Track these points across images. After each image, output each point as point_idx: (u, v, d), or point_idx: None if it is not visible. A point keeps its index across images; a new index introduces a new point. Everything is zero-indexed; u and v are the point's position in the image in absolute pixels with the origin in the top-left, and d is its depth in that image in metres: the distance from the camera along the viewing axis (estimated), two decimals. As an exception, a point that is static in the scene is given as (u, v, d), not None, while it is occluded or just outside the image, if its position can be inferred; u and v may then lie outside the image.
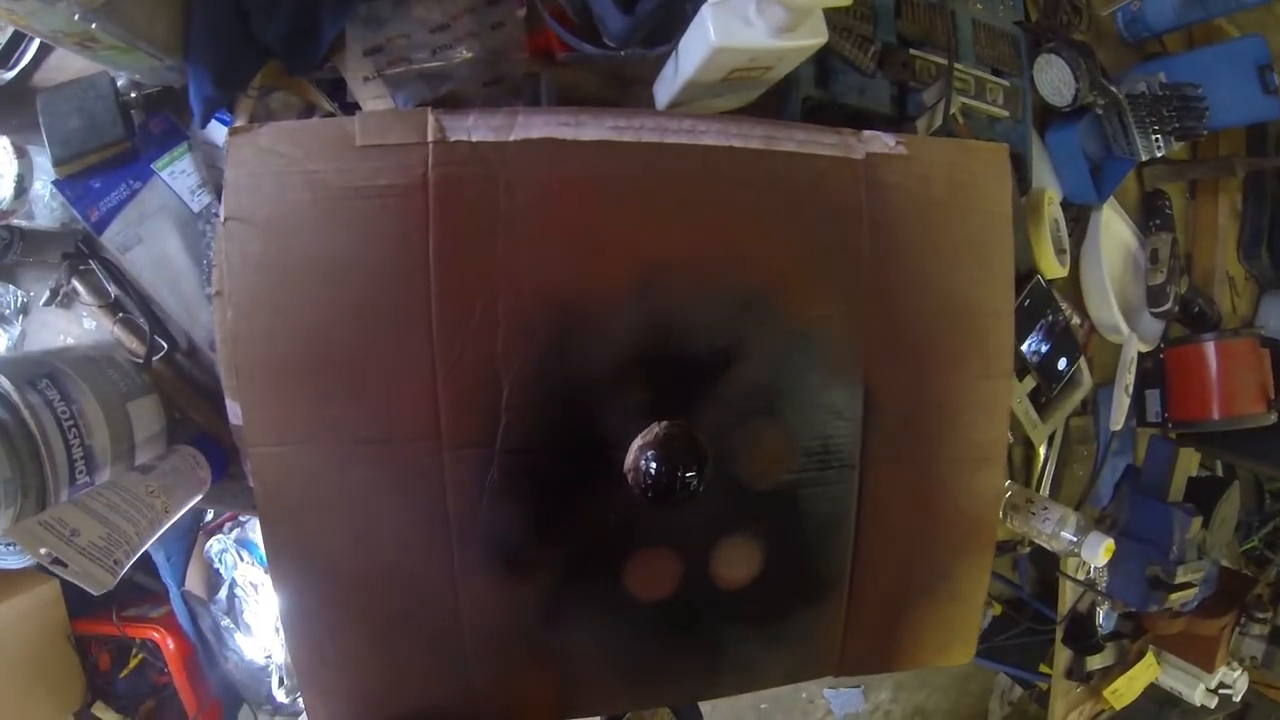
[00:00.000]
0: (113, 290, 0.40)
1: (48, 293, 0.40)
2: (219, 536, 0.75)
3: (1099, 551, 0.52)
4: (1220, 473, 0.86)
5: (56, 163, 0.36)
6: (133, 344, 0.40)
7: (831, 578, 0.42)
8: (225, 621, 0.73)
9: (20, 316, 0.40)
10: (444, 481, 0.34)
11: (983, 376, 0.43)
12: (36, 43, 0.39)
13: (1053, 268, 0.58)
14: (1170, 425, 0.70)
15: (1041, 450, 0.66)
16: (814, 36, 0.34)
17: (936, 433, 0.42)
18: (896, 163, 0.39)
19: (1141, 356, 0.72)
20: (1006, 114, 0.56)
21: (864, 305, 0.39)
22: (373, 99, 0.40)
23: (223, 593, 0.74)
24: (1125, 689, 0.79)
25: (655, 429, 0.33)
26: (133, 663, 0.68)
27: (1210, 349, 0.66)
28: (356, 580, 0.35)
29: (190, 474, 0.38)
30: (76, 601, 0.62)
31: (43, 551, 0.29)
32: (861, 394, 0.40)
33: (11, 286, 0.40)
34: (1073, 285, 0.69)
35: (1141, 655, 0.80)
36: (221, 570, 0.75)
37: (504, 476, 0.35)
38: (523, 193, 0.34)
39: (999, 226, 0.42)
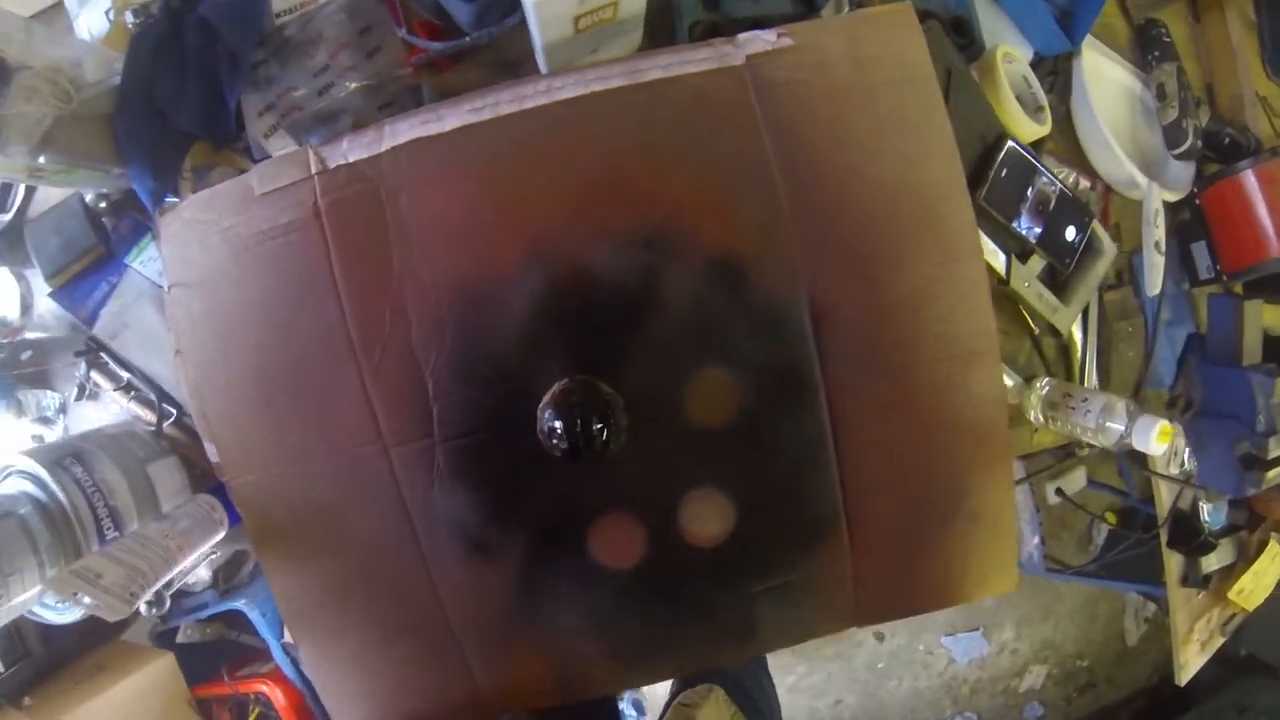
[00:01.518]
0: (123, 375, 0.44)
1: (75, 389, 0.45)
2: (308, 586, 0.81)
3: (1152, 436, 0.43)
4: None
5: (47, 279, 0.41)
6: (146, 415, 0.44)
7: (822, 518, 0.37)
8: None
9: (61, 415, 0.46)
10: (396, 478, 0.35)
11: (946, 262, 0.37)
12: (23, 187, 0.44)
13: (1027, 129, 0.50)
14: (1225, 278, 0.58)
15: (1076, 335, 0.57)
16: None
17: (907, 334, 0.37)
18: (784, 57, 0.35)
19: (1177, 208, 0.60)
20: (933, -18, 0.49)
21: (786, 215, 0.35)
22: (281, 151, 0.41)
23: None
24: (1252, 586, 0.66)
25: (554, 388, 0.31)
26: (251, 717, 0.73)
27: (1249, 178, 0.54)
28: (346, 585, 0.36)
29: (205, 518, 0.41)
30: (191, 670, 0.68)
31: (75, 595, 0.32)
32: (807, 309, 0.36)
33: (49, 391, 0.46)
34: (1074, 148, 0.59)
35: (1264, 546, 0.66)
36: (315, 618, 0.80)
37: (449, 463, 0.35)
38: (405, 197, 0.34)
39: (923, 92, 0.36)
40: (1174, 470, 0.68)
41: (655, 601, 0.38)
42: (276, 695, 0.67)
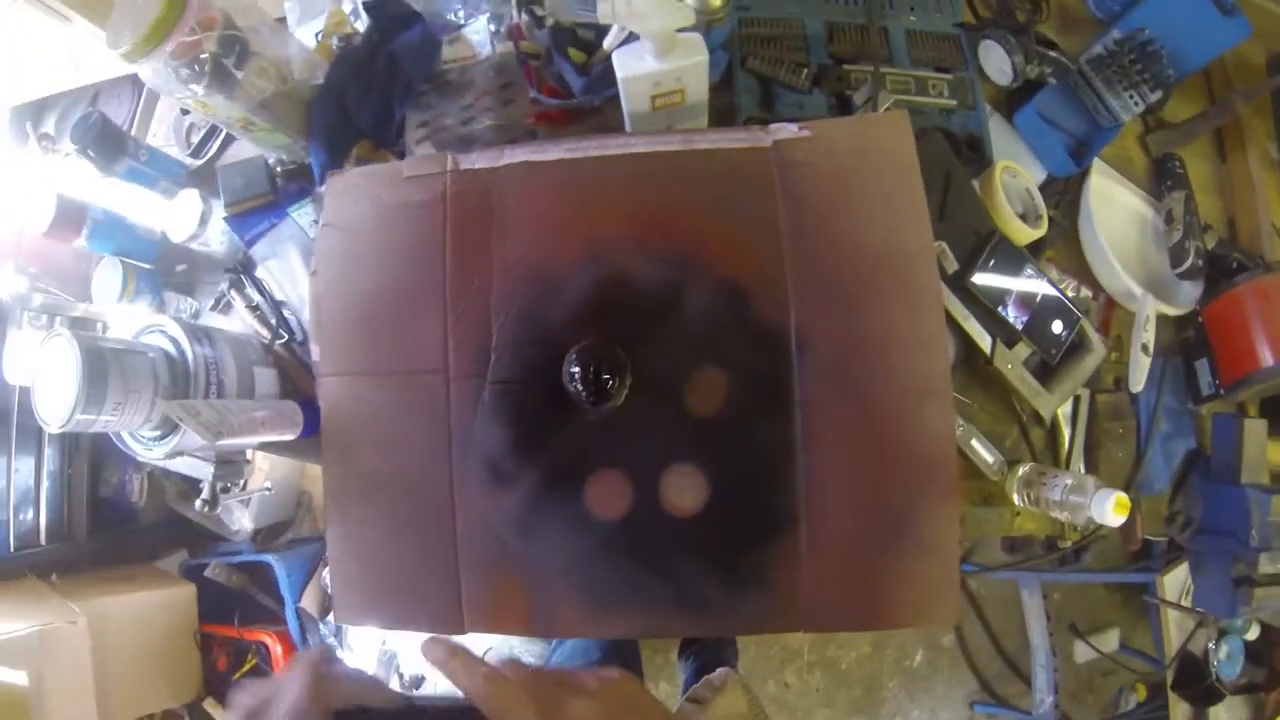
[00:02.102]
0: (255, 297, 0.61)
1: (213, 300, 0.63)
2: (337, 567, 0.91)
3: (1109, 507, 0.51)
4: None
5: (226, 205, 0.59)
6: (263, 332, 0.61)
7: (783, 515, 0.45)
8: (331, 640, 0.87)
9: (194, 319, 0.63)
10: (449, 404, 0.48)
11: (912, 311, 0.46)
12: (219, 141, 0.65)
13: (1019, 231, 0.62)
14: (1224, 392, 0.65)
15: (1064, 428, 0.65)
16: (695, 55, 0.48)
17: (874, 366, 0.46)
18: (802, 143, 0.49)
19: (1183, 326, 0.69)
20: (954, 103, 0.64)
21: (787, 260, 0.47)
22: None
23: (333, 615, 0.88)
24: (1264, 745, 0.66)
25: (580, 344, 0.44)
26: (247, 666, 0.83)
27: (1245, 292, 0.62)
28: (382, 481, 0.48)
29: (289, 415, 0.55)
30: (207, 608, 0.79)
31: (178, 418, 0.44)
32: (793, 334, 0.46)
33: (188, 298, 0.64)
34: (1079, 261, 0.70)
35: None
36: (335, 596, 0.90)
37: (493, 401, 0.47)
38: (509, 199, 0.49)
39: (907, 177, 0.47)
40: (1185, 601, 0.72)
41: (629, 557, 0.47)
42: (277, 651, 0.77)
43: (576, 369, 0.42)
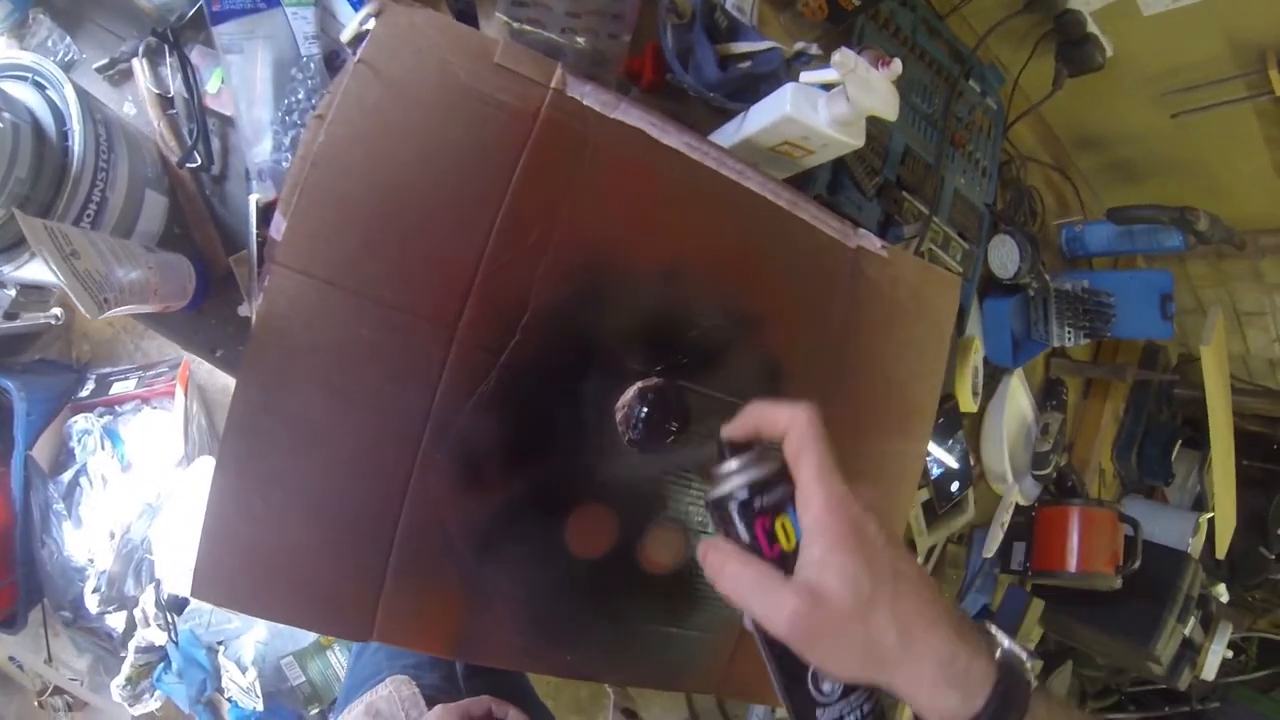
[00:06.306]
0: (175, 86, 0.44)
1: (106, 60, 0.43)
2: (87, 415, 0.71)
3: None
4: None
5: None
6: (169, 140, 0.44)
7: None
8: (58, 505, 0.68)
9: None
10: (442, 371, 0.40)
11: (902, 450, 0.56)
12: None
13: (967, 402, 0.76)
14: (1030, 574, 0.89)
15: (919, 561, 0.81)
16: (854, 139, 0.50)
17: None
18: (877, 260, 0.54)
19: (1017, 511, 0.91)
20: (961, 270, 0.77)
21: (824, 359, 0.52)
22: (492, 33, 0.50)
23: (68, 475, 0.69)
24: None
25: (655, 381, 0.41)
26: None
27: (1075, 512, 0.87)
28: (315, 433, 0.38)
29: (182, 277, 0.40)
30: None
31: (40, 253, 0.29)
32: None
33: (65, 37, 0.43)
34: (974, 436, 0.89)
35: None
36: (77, 451, 0.70)
37: (498, 388, 0.41)
38: (604, 159, 0.44)
39: (941, 337, 0.57)
40: None
41: (588, 598, 0.45)
42: (-11, 505, 0.56)
43: (645, 410, 0.39)
